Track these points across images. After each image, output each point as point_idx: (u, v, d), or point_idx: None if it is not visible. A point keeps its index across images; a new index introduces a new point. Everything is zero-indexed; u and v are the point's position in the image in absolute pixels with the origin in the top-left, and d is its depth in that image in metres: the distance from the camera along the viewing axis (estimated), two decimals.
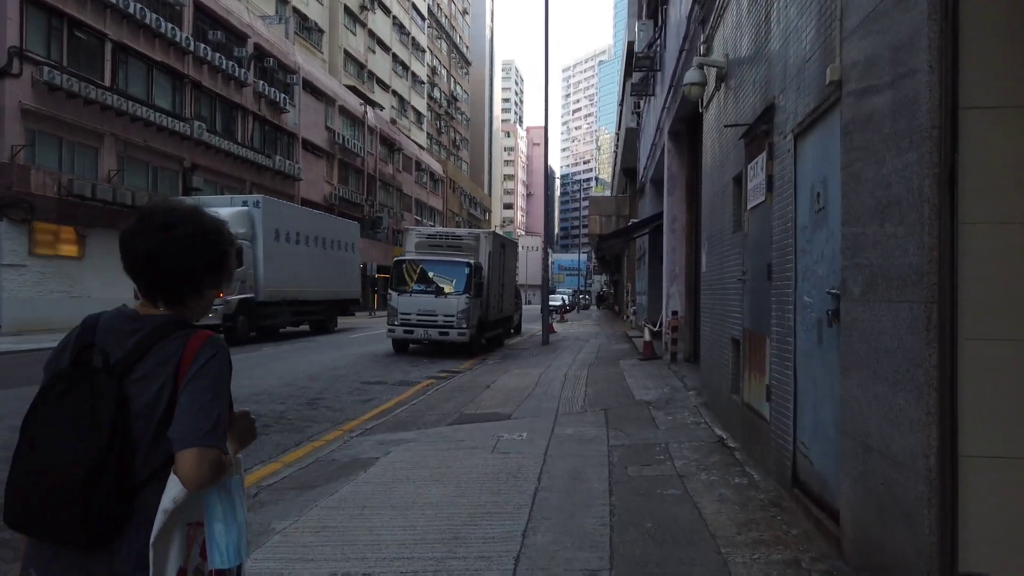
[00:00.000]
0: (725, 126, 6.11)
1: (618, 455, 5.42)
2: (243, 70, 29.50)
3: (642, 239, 19.88)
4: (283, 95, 32.88)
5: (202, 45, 26.54)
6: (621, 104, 31.03)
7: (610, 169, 59.27)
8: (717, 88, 6.76)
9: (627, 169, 31.60)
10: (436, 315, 14.55)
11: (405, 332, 14.70)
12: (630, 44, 21.62)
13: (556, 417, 7.19)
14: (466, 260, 14.95)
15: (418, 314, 14.61)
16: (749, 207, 5.22)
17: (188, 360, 1.34)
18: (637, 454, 5.45)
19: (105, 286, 22.56)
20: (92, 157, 22.23)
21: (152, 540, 1.25)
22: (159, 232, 1.39)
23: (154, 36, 24.31)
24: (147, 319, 1.41)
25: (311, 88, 36.64)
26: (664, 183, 13.10)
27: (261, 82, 31.14)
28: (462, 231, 16.57)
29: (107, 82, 22.38)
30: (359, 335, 20.80)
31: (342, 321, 25.35)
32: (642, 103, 21.32)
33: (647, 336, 12.30)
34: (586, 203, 60.08)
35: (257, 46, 31.08)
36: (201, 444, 1.27)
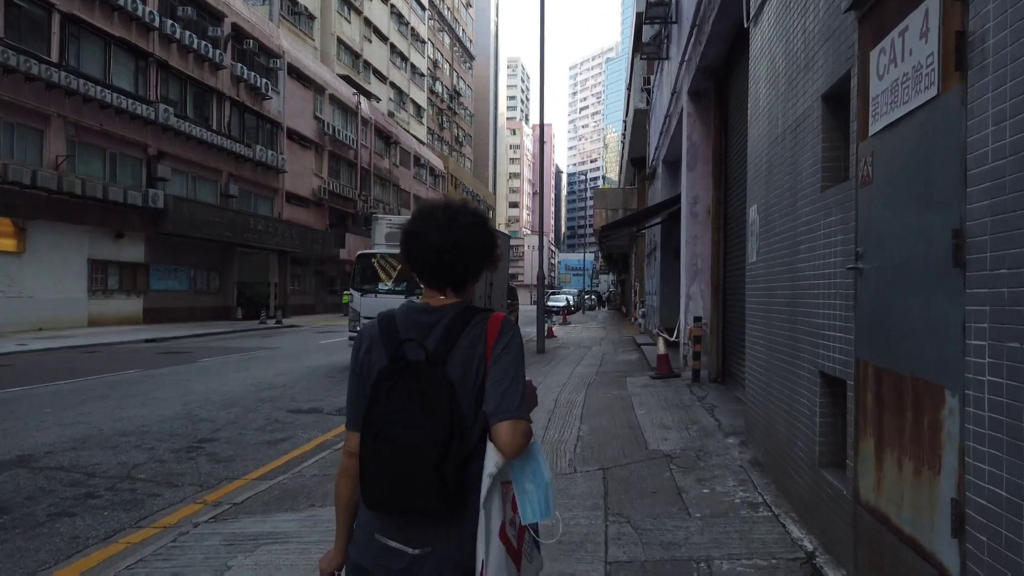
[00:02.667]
0: None
1: None
2: (219, 51, 27.12)
3: (653, 231, 17.32)
4: (265, 80, 30.49)
5: (169, 21, 24.17)
6: (629, 88, 28.49)
7: (617, 168, 56.76)
8: None
9: (635, 159, 29.09)
10: None
11: None
12: (639, 15, 19.11)
13: None
14: None
15: None
16: (879, 128, 2.71)
17: (492, 340, 1.45)
18: None
19: (50, 285, 20.24)
20: (36, 141, 19.87)
21: (482, 501, 1.37)
22: (448, 225, 1.49)
23: (112, 9, 21.96)
24: (442, 309, 1.50)
25: (298, 75, 34.25)
26: (682, 158, 10.58)
27: (240, 65, 28.76)
28: None
29: (55, 58, 20.04)
30: (334, 339, 18.34)
31: (322, 321, 22.96)
32: (652, 79, 18.79)
33: (661, 348, 9.78)
34: (591, 200, 57.57)
35: (235, 26, 28.71)
36: (515, 416, 1.39)
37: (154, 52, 23.96)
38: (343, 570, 1.55)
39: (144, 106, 23.11)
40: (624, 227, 15.34)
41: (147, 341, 17.68)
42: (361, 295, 12.38)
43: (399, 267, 12.58)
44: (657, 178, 17.03)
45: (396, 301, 12.38)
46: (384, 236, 13.48)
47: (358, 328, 12.28)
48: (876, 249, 2.76)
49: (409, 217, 1.59)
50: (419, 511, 1.39)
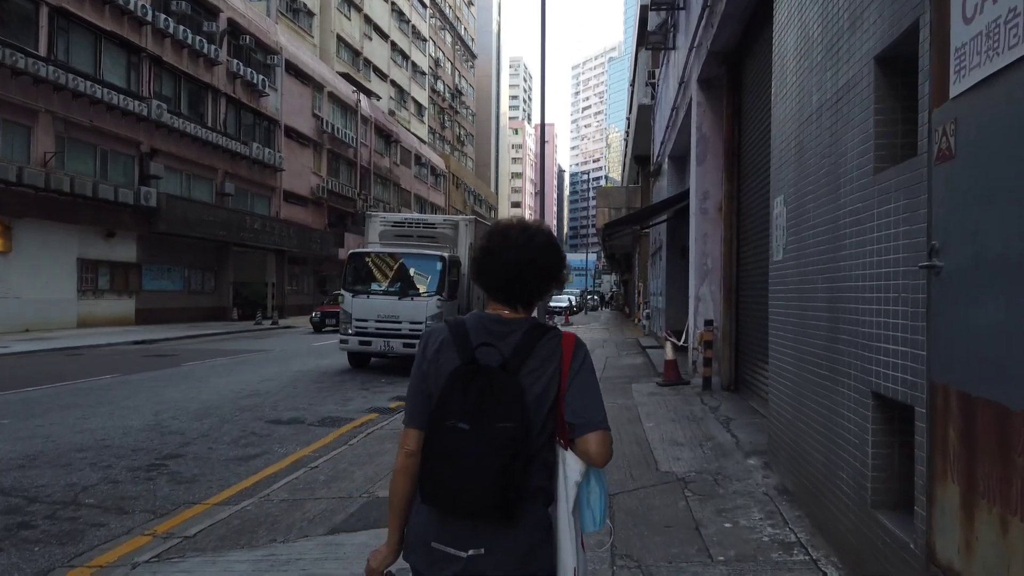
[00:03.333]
0: None
1: None
2: (214, 47, 26.56)
3: (658, 229, 16.71)
4: (262, 77, 29.93)
5: (163, 16, 23.61)
6: (632, 84, 27.90)
7: (620, 168, 56.14)
8: None
9: (639, 157, 28.51)
10: (400, 322, 11.47)
11: (361, 343, 11.64)
12: (643, 7, 18.51)
13: None
14: (439, 253, 11.85)
15: (377, 320, 11.55)
16: (967, 87, 2.12)
17: (568, 357, 1.49)
18: None
19: (38, 285, 19.68)
20: (23, 137, 19.32)
21: (569, 510, 1.46)
22: (526, 245, 1.54)
23: (103, 2, 21.40)
24: (515, 322, 1.54)
25: (296, 71, 33.68)
26: (691, 152, 9.98)
27: (236, 61, 28.20)
28: (436, 217, 13.48)
29: (43, 52, 19.49)
30: (328, 342, 17.77)
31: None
32: (657, 72, 18.19)
33: (669, 353, 9.16)
34: (594, 200, 56.93)
35: (231, 21, 28.16)
36: (603, 427, 1.46)
37: (147, 47, 23.41)
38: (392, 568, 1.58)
39: (136, 102, 22.56)
40: (628, 225, 14.72)
41: (136, 343, 17.12)
42: (353, 296, 11.78)
43: (396, 266, 12.01)
44: (662, 175, 16.41)
45: (389, 303, 11.81)
46: (378, 234, 12.90)
47: (350, 331, 11.69)
48: (962, 242, 2.16)
49: (486, 234, 1.61)
50: (479, 512, 1.41)
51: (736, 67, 8.38)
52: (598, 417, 1.45)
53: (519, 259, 1.52)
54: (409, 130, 53.51)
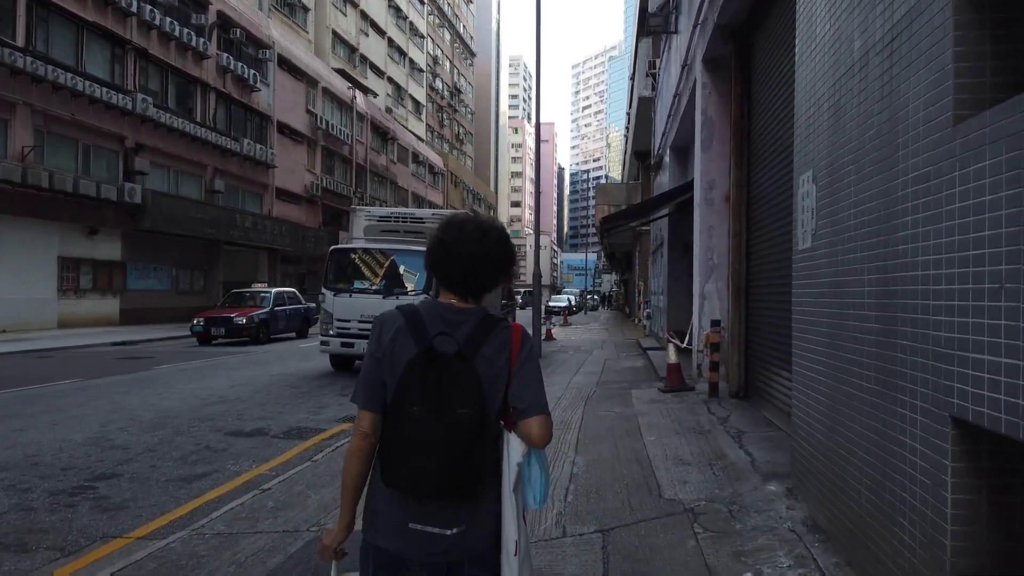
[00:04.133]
0: None
1: None
2: (203, 40, 25.84)
3: (659, 225, 15.97)
4: (253, 72, 29.19)
5: (148, 7, 22.88)
6: (632, 78, 27.16)
7: (620, 167, 55.39)
8: None
9: (639, 152, 27.80)
10: None
11: (343, 345, 10.90)
12: None
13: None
14: (425, 249, 11.12)
15: (360, 321, 10.81)
16: None
17: (517, 347, 1.59)
18: None
19: (16, 284, 18.94)
20: (0, 130, 18.60)
21: (512, 488, 1.55)
22: (481, 240, 1.61)
23: None
24: (467, 312, 1.61)
25: (289, 67, 32.95)
26: (695, 138, 9.24)
27: (226, 55, 27.47)
28: (425, 212, 12.75)
29: (20, 42, 18.77)
30: (314, 343, 17.01)
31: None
32: (658, 62, 17.47)
33: (672, 356, 8.41)
34: (594, 200, 56.08)
35: (221, 14, 27.43)
36: (545, 412, 1.56)
37: (132, 39, 22.68)
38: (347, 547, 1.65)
39: (121, 95, 21.84)
40: (628, 219, 13.98)
41: (114, 344, 16.40)
42: (334, 295, 11.04)
43: (380, 263, 11.28)
44: (664, 168, 15.67)
45: (374, 302, 11.09)
46: (363, 229, 12.17)
47: (331, 332, 10.96)
48: None
49: (441, 227, 1.66)
50: (443, 493, 1.47)
51: (745, 43, 7.65)
52: (541, 402, 1.55)
53: (473, 253, 1.59)
54: (407, 128, 52.79)
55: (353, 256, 11.28)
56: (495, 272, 1.63)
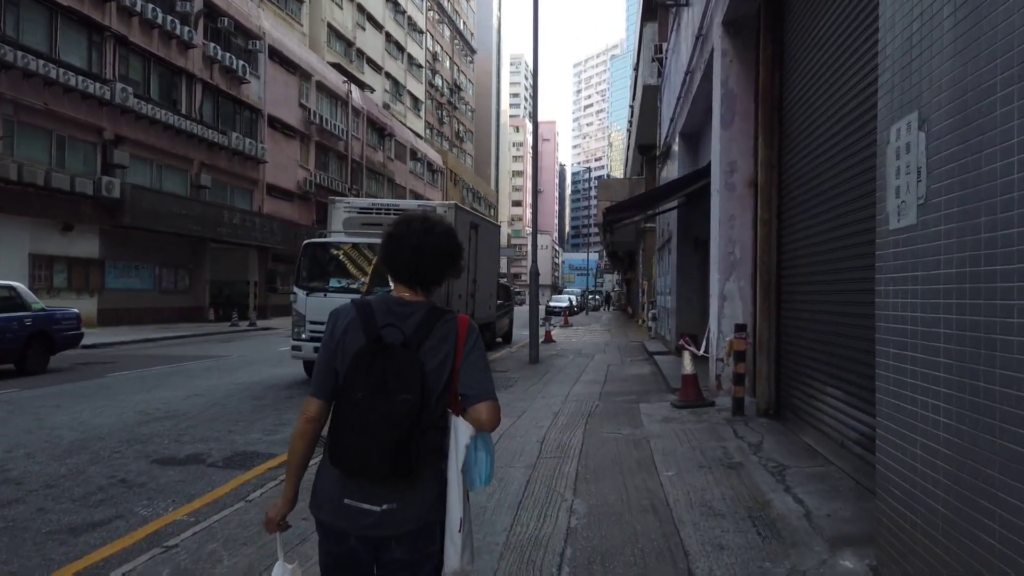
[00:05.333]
0: None
1: None
2: (188, 28, 24.71)
3: (667, 219, 14.82)
4: (243, 63, 28.06)
5: None
6: (636, 68, 25.99)
7: (622, 168, 54.14)
8: None
9: (643, 146, 26.63)
10: None
11: (317, 350, 9.76)
12: None
13: None
14: None
15: None
16: None
17: (463, 337, 1.69)
18: None
19: None
20: None
21: (460, 467, 1.65)
22: (425, 234, 1.72)
23: None
24: (415, 304, 1.72)
25: (281, 59, 31.83)
26: (713, 117, 8.10)
27: (213, 45, 26.35)
28: (410, 203, 11.69)
29: None
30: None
31: None
32: (665, 46, 16.32)
33: (687, 366, 7.23)
34: (596, 199, 54.59)
35: (208, 3, 26.32)
36: (494, 398, 1.68)
37: (111, 26, 21.55)
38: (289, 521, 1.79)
39: (98, 85, 20.73)
40: (633, 211, 12.82)
41: (83, 348, 15.28)
42: (307, 294, 9.89)
43: (359, 259, 10.15)
44: (672, 158, 14.51)
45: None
46: (343, 222, 11.06)
47: (303, 336, 9.82)
48: None
49: (393, 222, 1.77)
50: (384, 474, 1.57)
51: None
52: (488, 389, 1.67)
53: (417, 245, 1.70)
54: (405, 124, 51.66)
55: (329, 251, 10.15)
56: (439, 265, 1.72)
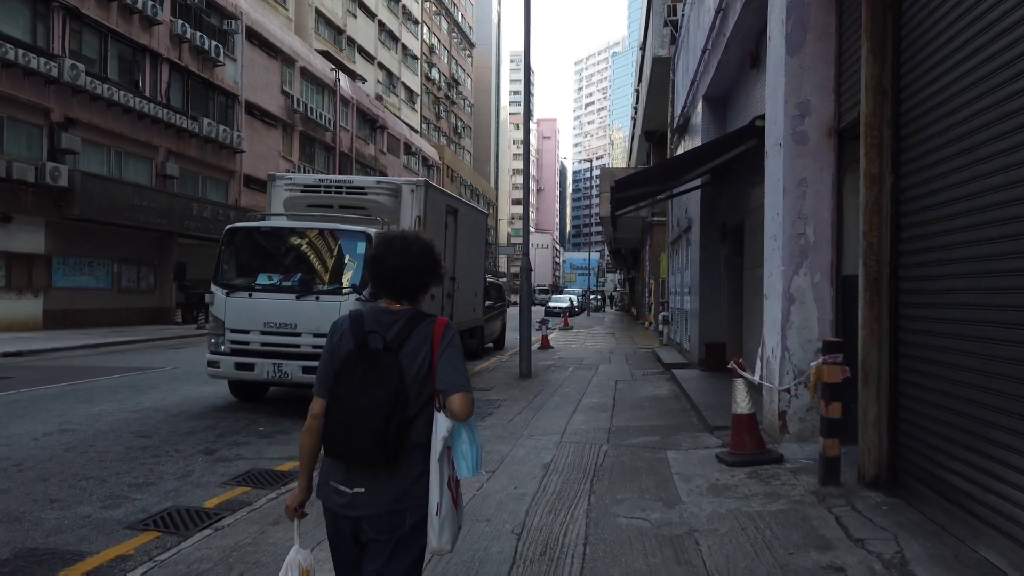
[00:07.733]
0: None
1: None
2: (152, 3, 22.47)
3: (683, 205, 12.52)
4: (216, 44, 25.79)
5: None
6: (643, 47, 23.71)
7: (625, 164, 51.92)
8: None
9: (649, 132, 24.37)
10: (298, 333, 7.27)
11: (238, 367, 7.43)
12: None
13: None
14: (365, 229, 7.68)
15: (264, 331, 7.36)
16: None
17: (439, 336, 1.92)
18: None
19: None
20: None
21: (436, 458, 1.86)
22: (402, 253, 1.98)
23: None
24: (399, 312, 1.98)
25: (260, 41, 29.57)
26: (771, 44, 5.83)
27: (182, 22, 24.09)
28: (367, 179, 9.33)
29: None
30: None
31: None
32: (680, 6, 14.03)
33: (742, 403, 4.89)
34: (597, 199, 52.20)
35: None
36: (466, 389, 1.87)
37: None
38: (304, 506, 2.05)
39: (43, 60, 18.49)
40: (647, 187, 10.48)
41: (4, 355, 13.05)
42: (227, 294, 7.58)
43: (296, 249, 7.86)
44: (691, 132, 12.20)
45: (283, 304, 7.45)
46: (283, 202, 8.80)
47: (223, 348, 7.51)
48: None
49: (376, 244, 2.02)
50: (365, 461, 1.83)
51: None
52: (460, 382, 1.86)
53: (396, 264, 1.96)
54: (399, 117, 49.43)
55: (254, 239, 7.87)
56: (418, 279, 1.98)
